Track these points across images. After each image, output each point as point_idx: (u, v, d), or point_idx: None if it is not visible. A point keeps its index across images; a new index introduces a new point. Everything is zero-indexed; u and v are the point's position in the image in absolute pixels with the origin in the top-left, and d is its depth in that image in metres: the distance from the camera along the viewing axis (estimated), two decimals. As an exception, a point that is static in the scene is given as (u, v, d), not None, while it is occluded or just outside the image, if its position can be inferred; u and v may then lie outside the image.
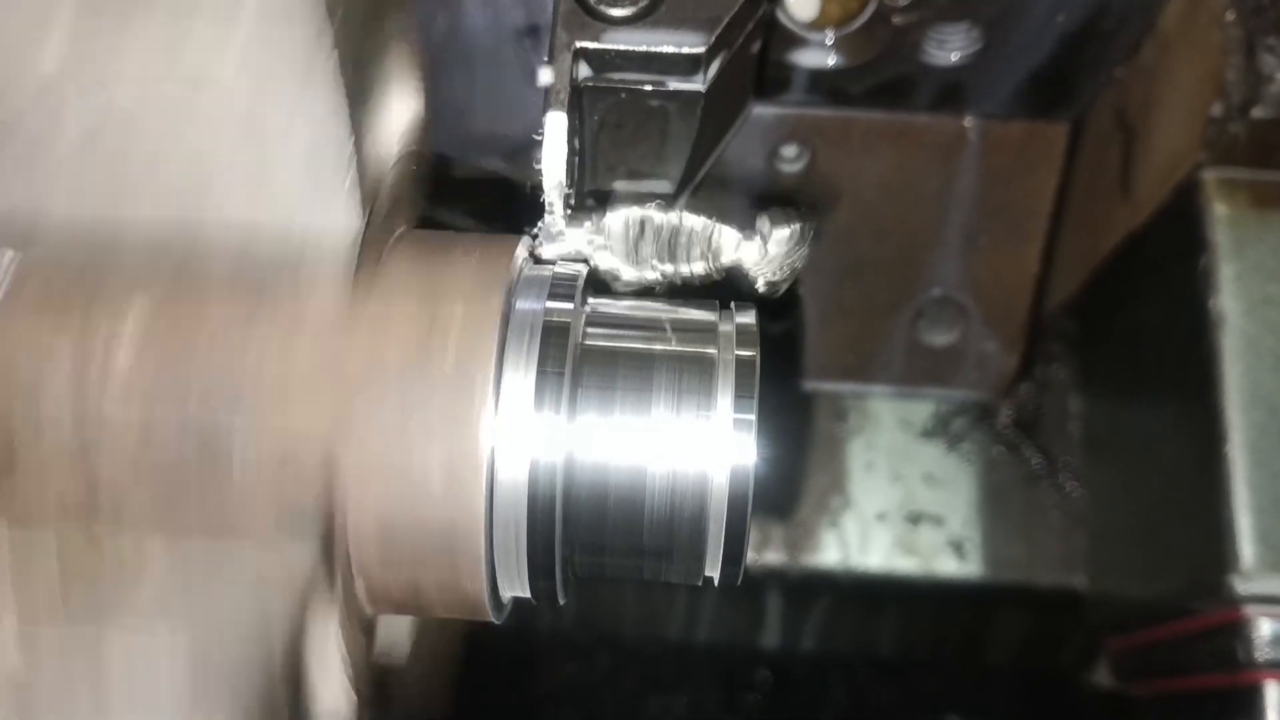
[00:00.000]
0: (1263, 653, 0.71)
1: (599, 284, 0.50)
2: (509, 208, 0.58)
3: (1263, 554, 0.71)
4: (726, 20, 0.54)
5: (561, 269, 0.47)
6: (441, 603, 0.44)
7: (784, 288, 0.50)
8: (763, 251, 0.49)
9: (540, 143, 0.50)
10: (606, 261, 0.49)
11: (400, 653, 0.51)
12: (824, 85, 0.84)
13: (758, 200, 0.91)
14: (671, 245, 0.49)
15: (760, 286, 0.50)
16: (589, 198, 0.61)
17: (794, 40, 0.79)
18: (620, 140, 0.58)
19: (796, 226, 0.49)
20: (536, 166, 0.51)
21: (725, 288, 0.51)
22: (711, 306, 0.48)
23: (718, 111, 0.59)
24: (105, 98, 0.41)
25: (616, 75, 0.54)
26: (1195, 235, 0.76)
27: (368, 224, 0.44)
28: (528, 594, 0.46)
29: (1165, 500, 0.85)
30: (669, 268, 0.49)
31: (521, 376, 0.43)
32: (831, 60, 0.80)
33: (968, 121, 0.89)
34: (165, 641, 0.36)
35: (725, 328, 0.47)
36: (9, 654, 0.36)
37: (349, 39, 0.43)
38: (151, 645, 0.36)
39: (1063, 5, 0.77)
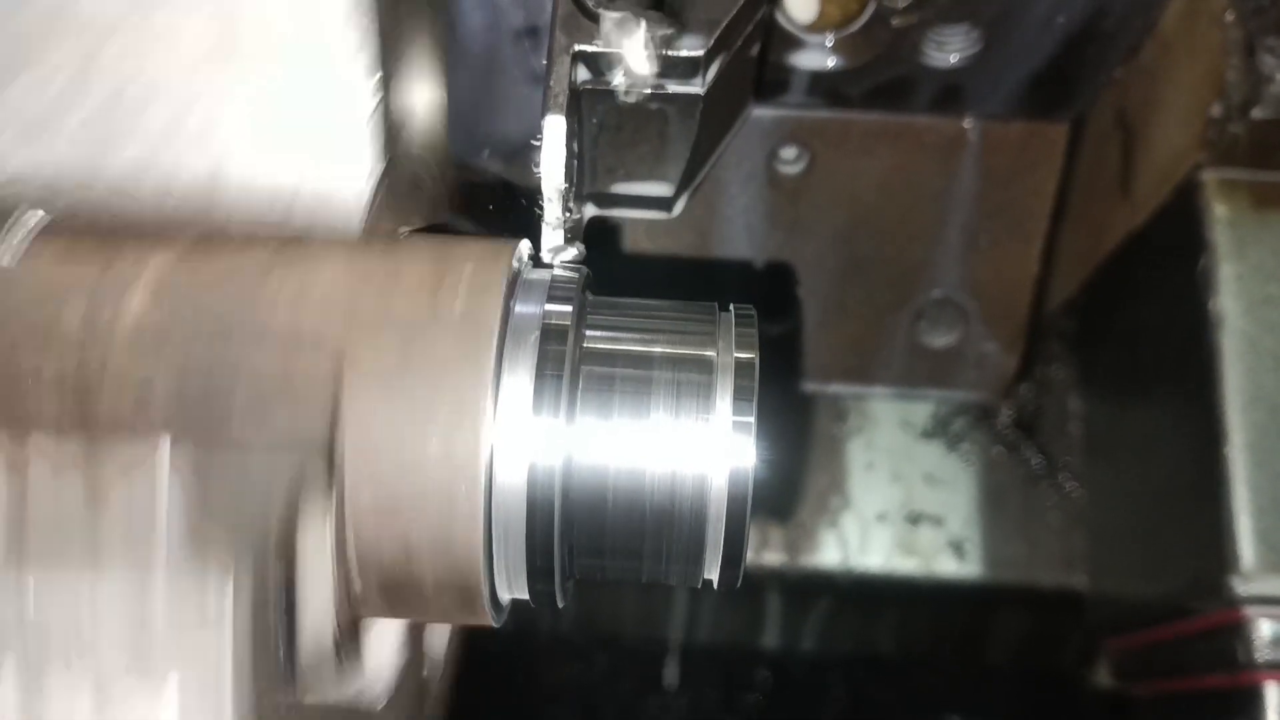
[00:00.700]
0: (1263, 653, 0.71)
1: (599, 286, 0.50)
2: (508, 210, 0.58)
3: (1263, 555, 0.71)
4: (725, 23, 0.54)
5: (560, 272, 0.47)
6: (440, 606, 0.44)
7: None
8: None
9: (539, 146, 0.50)
10: None
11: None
12: (823, 87, 0.84)
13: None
14: None
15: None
16: (588, 200, 0.61)
17: (793, 42, 0.79)
18: (619, 143, 0.58)
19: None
20: (536, 169, 0.51)
21: (725, 292, 0.51)
22: (710, 309, 0.48)
23: (717, 114, 0.59)
24: (139, 50, 0.42)
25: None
26: (1195, 235, 0.76)
27: (376, 204, 0.45)
28: (527, 596, 0.46)
29: (1165, 501, 0.85)
30: None
31: (520, 380, 0.43)
32: (831, 62, 0.80)
33: (967, 122, 0.89)
34: (164, 482, 0.36)
35: (724, 329, 0.47)
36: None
37: (385, 12, 0.44)
38: (149, 486, 0.36)
39: (1062, 7, 0.77)
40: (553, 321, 0.44)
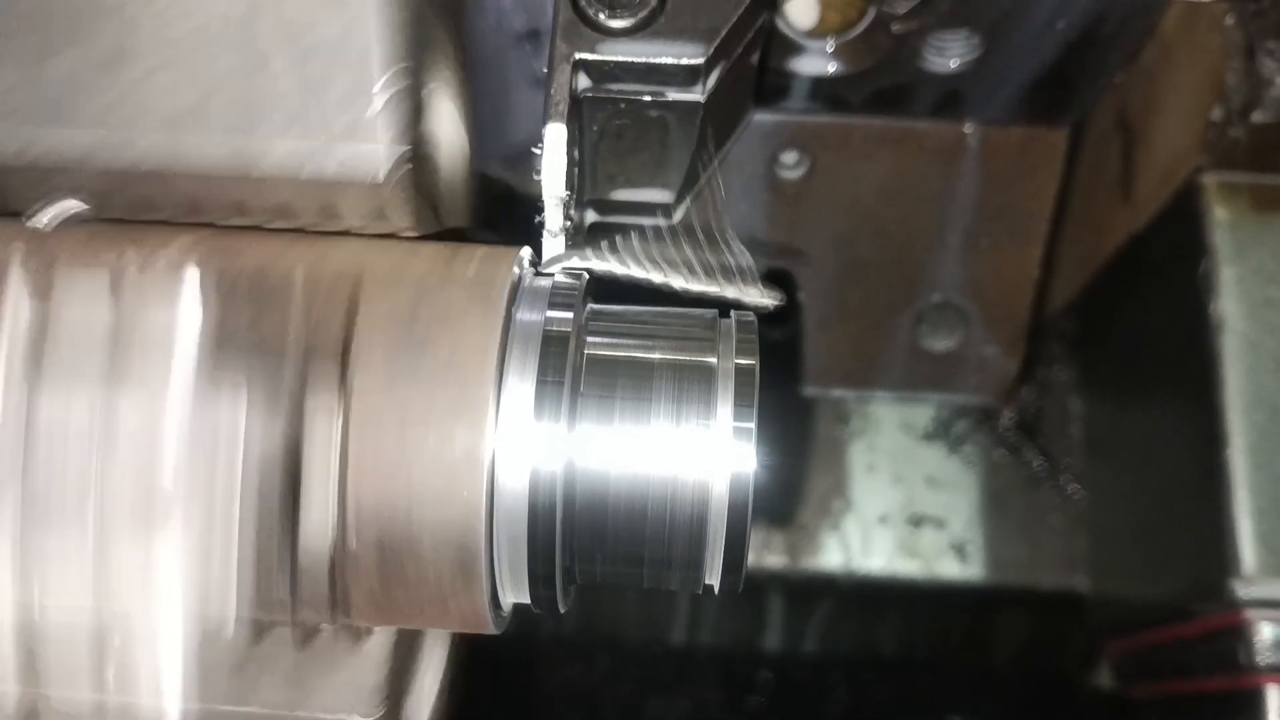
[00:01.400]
0: (1264, 656, 0.71)
1: (600, 292, 0.50)
2: (510, 215, 0.58)
3: (1264, 557, 0.71)
4: (725, 31, 0.54)
5: (561, 278, 0.48)
6: (441, 612, 0.44)
7: None
8: None
9: (540, 153, 0.51)
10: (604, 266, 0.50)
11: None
12: (824, 92, 0.84)
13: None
14: None
15: None
16: (589, 207, 0.61)
17: (794, 48, 0.79)
18: (620, 150, 0.58)
19: None
20: (537, 177, 0.51)
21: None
22: (711, 315, 0.48)
23: (717, 120, 0.59)
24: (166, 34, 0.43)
25: (615, 86, 0.54)
26: (1195, 238, 0.76)
27: (394, 196, 0.45)
28: (528, 601, 0.46)
29: (1166, 503, 0.86)
30: None
31: (522, 385, 0.43)
32: (831, 68, 0.80)
33: (967, 127, 0.89)
34: (188, 309, 0.36)
35: (725, 335, 0.47)
36: None
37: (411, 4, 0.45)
38: (172, 311, 0.36)
39: (1062, 12, 0.77)
40: (554, 328, 0.44)
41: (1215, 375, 0.74)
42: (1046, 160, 0.91)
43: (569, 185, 0.51)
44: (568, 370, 0.44)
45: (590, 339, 0.46)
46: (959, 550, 1.05)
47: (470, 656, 0.58)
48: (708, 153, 0.59)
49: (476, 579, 0.43)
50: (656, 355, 0.45)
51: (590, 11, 0.53)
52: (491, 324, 0.43)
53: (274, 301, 0.41)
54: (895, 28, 0.77)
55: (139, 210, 0.45)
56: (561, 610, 0.47)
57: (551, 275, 0.48)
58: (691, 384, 0.45)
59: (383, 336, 0.42)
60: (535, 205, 0.51)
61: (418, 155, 0.46)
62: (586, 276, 0.49)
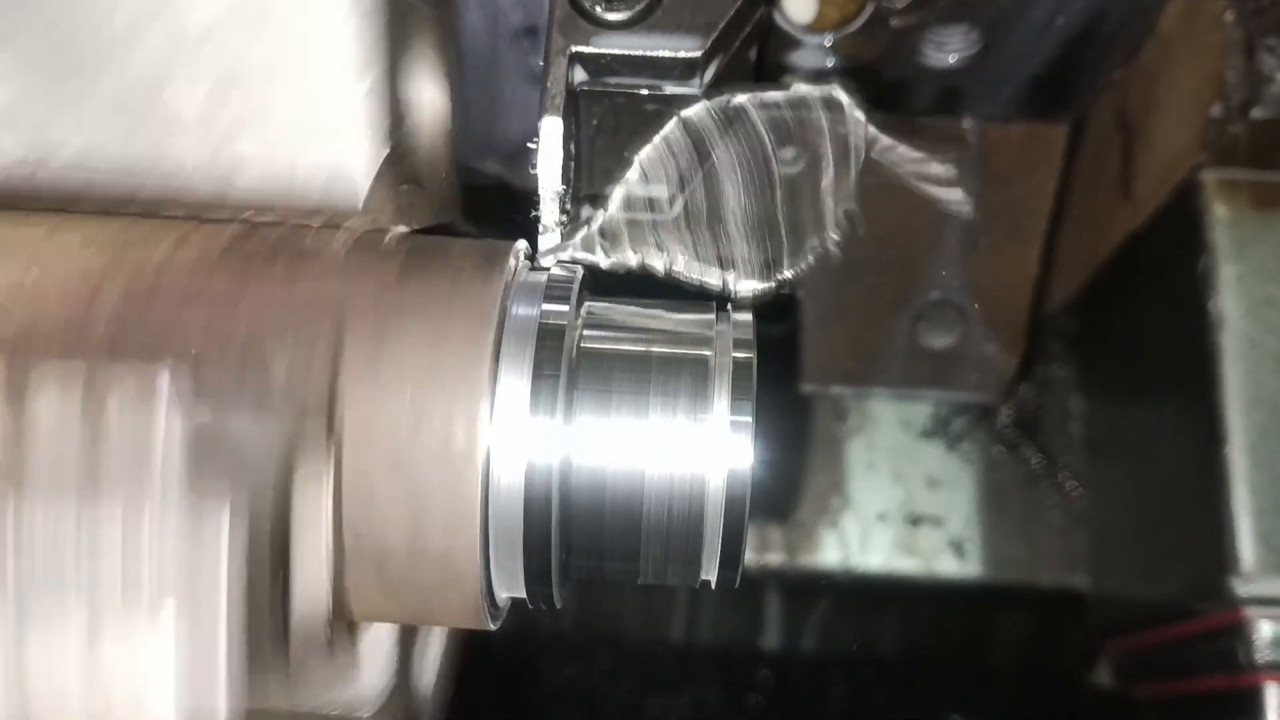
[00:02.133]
0: (1263, 654, 0.71)
1: (596, 286, 0.50)
2: (506, 211, 0.58)
3: (1263, 556, 0.71)
4: (723, 24, 0.53)
5: (557, 272, 0.47)
6: (436, 608, 0.44)
7: None
8: None
9: (536, 148, 0.50)
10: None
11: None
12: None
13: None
14: None
15: None
16: (586, 202, 0.61)
17: (791, 43, 0.79)
18: (617, 145, 0.58)
19: None
20: (533, 171, 0.50)
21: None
22: (708, 309, 0.48)
23: (715, 115, 0.59)
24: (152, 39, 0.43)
25: (613, 79, 0.54)
26: (1195, 236, 0.76)
27: (378, 195, 0.45)
28: (524, 596, 0.46)
29: (1166, 501, 0.85)
30: None
31: (517, 380, 0.43)
32: (829, 63, 0.80)
33: (967, 123, 0.89)
34: (164, 413, 0.36)
35: (722, 330, 0.47)
36: None
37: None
38: (149, 416, 0.36)
39: (1062, 8, 0.77)
40: (550, 321, 0.44)
41: (1215, 373, 0.74)
42: (1046, 157, 0.91)
43: (565, 180, 0.51)
44: (564, 364, 0.43)
45: (586, 333, 0.46)
46: (958, 548, 1.05)
47: (470, 654, 0.58)
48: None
49: (471, 575, 0.43)
50: (654, 349, 0.45)
51: (587, 4, 0.53)
52: (486, 318, 0.43)
53: (253, 367, 0.40)
54: (894, 22, 0.77)
55: (114, 206, 0.45)
56: (558, 606, 0.46)
57: (547, 269, 0.48)
58: (688, 378, 0.44)
59: (371, 348, 0.42)
60: (531, 200, 0.51)
61: (400, 151, 0.46)
62: (582, 270, 0.48)
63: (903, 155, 0.50)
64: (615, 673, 1.14)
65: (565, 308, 0.45)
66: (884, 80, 0.83)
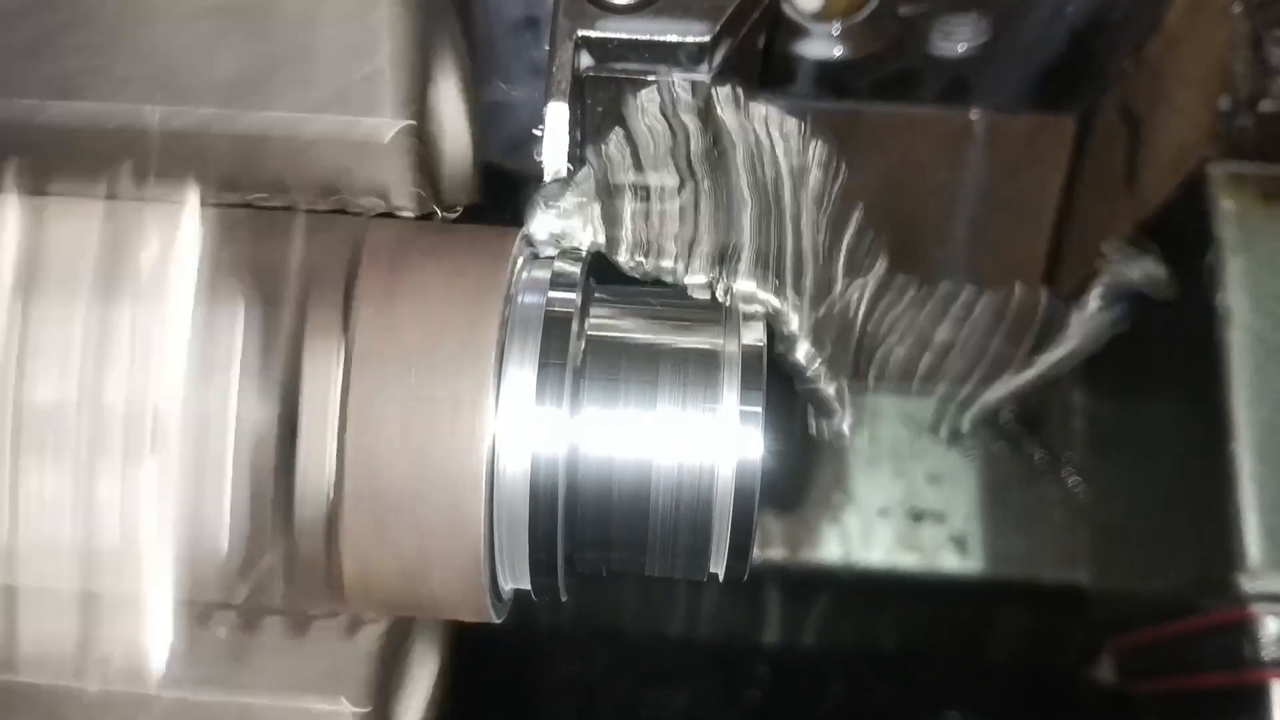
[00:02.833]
0: (1269, 651, 0.70)
1: (602, 274, 0.49)
2: (510, 201, 0.58)
3: (1270, 552, 0.71)
4: (731, 9, 0.53)
5: (563, 261, 0.47)
6: (440, 600, 0.43)
7: None
8: None
9: (541, 136, 0.50)
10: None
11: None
12: (830, 78, 0.84)
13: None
14: None
15: None
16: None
17: (799, 32, 0.78)
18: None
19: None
20: (538, 158, 0.50)
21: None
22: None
23: (722, 103, 0.58)
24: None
25: (619, 65, 0.53)
26: (1202, 229, 0.76)
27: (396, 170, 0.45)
28: (529, 588, 0.45)
29: (1170, 497, 0.85)
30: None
31: (523, 369, 0.42)
32: (837, 52, 0.80)
33: (974, 114, 0.88)
34: (189, 228, 0.36)
35: (731, 319, 0.46)
36: None
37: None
38: (173, 230, 0.35)
39: (1071, -3, 0.76)
40: (556, 310, 0.44)
41: (1221, 368, 0.74)
42: (1053, 148, 0.90)
43: (570, 167, 0.50)
44: (570, 353, 0.43)
45: (593, 321, 0.45)
46: (959, 544, 1.05)
47: (466, 648, 0.57)
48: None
49: (476, 566, 0.42)
50: (661, 338, 0.45)
51: (592, -14, 0.52)
52: (492, 306, 0.42)
53: (275, 234, 0.40)
54: (902, 11, 0.76)
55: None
56: (563, 599, 0.46)
57: (553, 258, 0.47)
58: (697, 367, 0.44)
59: (384, 300, 0.41)
60: (533, 188, 0.50)
61: (420, 131, 0.45)
62: (589, 258, 0.48)
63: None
64: (614, 668, 1.14)
65: (573, 295, 0.44)
66: (891, 70, 0.82)
